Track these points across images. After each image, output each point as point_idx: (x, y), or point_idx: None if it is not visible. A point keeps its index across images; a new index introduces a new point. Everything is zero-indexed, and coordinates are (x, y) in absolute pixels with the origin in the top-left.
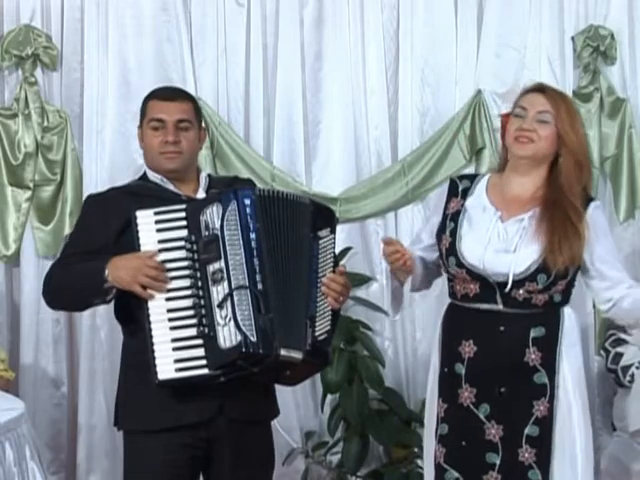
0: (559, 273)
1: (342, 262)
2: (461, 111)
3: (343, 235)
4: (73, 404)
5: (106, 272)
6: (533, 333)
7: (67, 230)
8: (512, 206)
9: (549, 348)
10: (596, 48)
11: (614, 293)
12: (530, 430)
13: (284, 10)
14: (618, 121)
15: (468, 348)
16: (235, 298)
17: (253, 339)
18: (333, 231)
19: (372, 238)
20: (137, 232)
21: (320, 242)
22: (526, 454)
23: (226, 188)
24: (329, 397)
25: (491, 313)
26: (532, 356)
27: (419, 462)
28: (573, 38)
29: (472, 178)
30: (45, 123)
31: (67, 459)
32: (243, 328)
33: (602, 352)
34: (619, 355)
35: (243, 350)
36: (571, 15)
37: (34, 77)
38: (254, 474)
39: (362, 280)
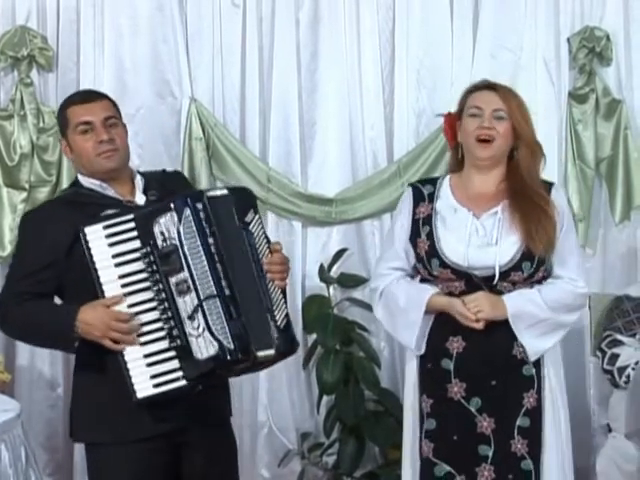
0: (541, 259)
1: (338, 264)
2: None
3: (339, 236)
4: (69, 405)
5: (76, 327)
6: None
7: None
8: (480, 202)
9: None
10: (592, 49)
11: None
12: (521, 421)
13: (280, 11)
14: (614, 122)
15: (457, 344)
16: (205, 307)
17: (230, 346)
18: (256, 210)
19: (368, 239)
20: (89, 249)
21: (250, 228)
22: (518, 445)
23: (161, 187)
24: (325, 398)
25: None
26: (520, 349)
27: None
28: (569, 39)
29: (433, 182)
30: (41, 124)
31: (63, 460)
32: (219, 337)
33: (598, 353)
34: (615, 356)
35: (222, 358)
36: (567, 16)
37: (30, 78)
38: (224, 470)
39: (358, 281)
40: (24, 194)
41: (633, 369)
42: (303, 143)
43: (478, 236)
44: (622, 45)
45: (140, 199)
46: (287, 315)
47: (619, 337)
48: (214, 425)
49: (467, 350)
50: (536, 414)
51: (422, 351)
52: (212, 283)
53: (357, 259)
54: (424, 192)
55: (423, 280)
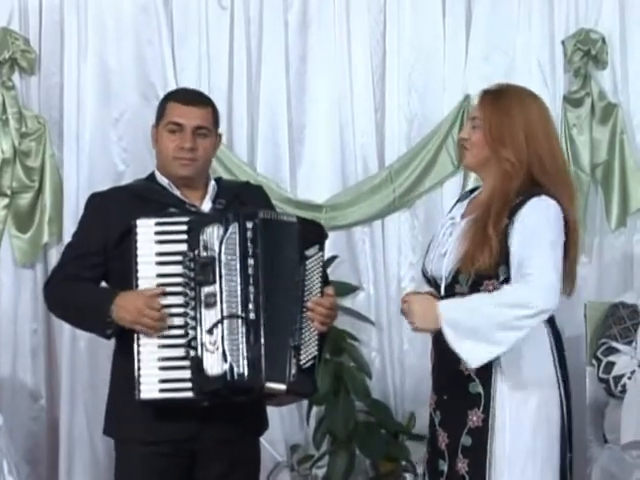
0: (480, 275)
1: (328, 271)
2: (449, 116)
3: (329, 243)
4: (52, 417)
5: (112, 310)
6: None
7: (46, 238)
8: (472, 211)
9: None
10: (587, 52)
11: None
12: (464, 440)
13: (268, 13)
14: (609, 127)
15: (432, 355)
16: (226, 325)
17: (239, 370)
18: (322, 248)
19: (358, 246)
20: (136, 242)
21: (307, 262)
22: (459, 464)
23: (233, 197)
24: (315, 409)
25: None
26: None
27: (407, 476)
28: (563, 42)
29: (474, 190)
30: (23, 129)
31: (46, 473)
32: (230, 358)
33: (594, 361)
34: (611, 364)
35: (228, 380)
36: (561, 18)
37: (12, 82)
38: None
39: (348, 289)
40: (6, 200)
41: (629, 378)
42: (292, 148)
43: (442, 245)
44: (618, 48)
45: (207, 206)
46: (314, 359)
47: (615, 345)
48: (232, 439)
49: (436, 361)
50: (480, 434)
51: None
52: (239, 303)
53: (347, 267)
54: (461, 196)
55: None
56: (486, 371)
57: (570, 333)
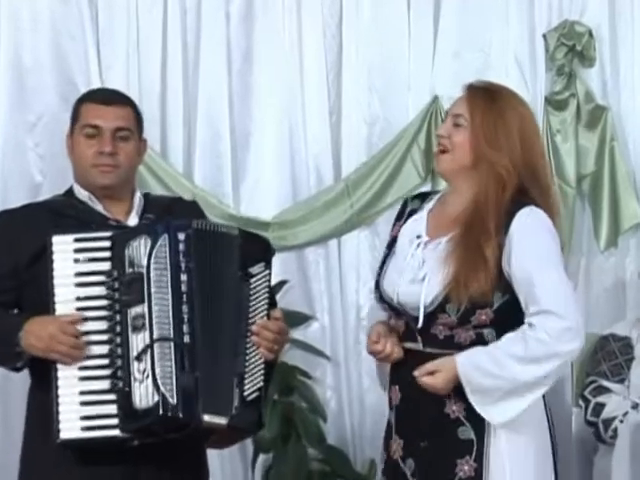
0: (474, 303)
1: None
2: (415, 121)
3: (277, 266)
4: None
5: (20, 338)
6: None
7: None
8: (441, 228)
9: None
10: (572, 47)
11: None
12: None
13: (207, 2)
14: (598, 132)
15: (395, 395)
16: (156, 350)
17: (173, 401)
18: (268, 266)
19: (311, 269)
20: (52, 261)
21: (252, 281)
22: None
23: (163, 212)
24: (261, 457)
25: (414, 354)
26: (454, 407)
27: None
28: (545, 36)
29: (424, 197)
30: None
31: None
32: (162, 387)
33: (581, 402)
34: (600, 406)
35: (160, 413)
36: (542, 9)
37: None
38: None
39: (300, 319)
40: None
41: (621, 421)
42: (235, 157)
43: (412, 269)
44: (607, 43)
45: (133, 221)
46: (260, 390)
47: (605, 383)
48: None
49: (403, 402)
50: None
51: (385, 390)
52: (171, 324)
53: (299, 293)
54: (407, 209)
55: None
56: (479, 416)
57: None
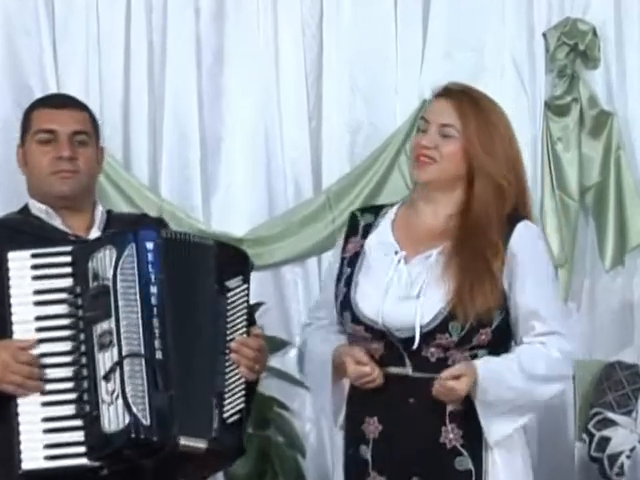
0: (479, 320)
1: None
2: (403, 127)
3: (251, 286)
4: None
5: None
6: (451, 406)
7: None
8: (420, 242)
9: (472, 424)
10: (574, 47)
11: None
12: None
13: None
14: (603, 140)
15: (372, 427)
16: (126, 368)
17: (146, 422)
18: (246, 280)
19: (289, 290)
20: (7, 279)
21: (229, 295)
22: None
23: (127, 226)
24: None
25: (400, 380)
26: (450, 435)
27: None
28: (545, 34)
29: (376, 211)
30: None
31: None
32: (134, 408)
33: (584, 436)
34: (605, 440)
35: (132, 436)
36: (542, 5)
37: None
38: None
39: (276, 345)
40: None
41: (628, 457)
42: (205, 167)
43: (399, 285)
44: (613, 42)
45: (94, 236)
46: (241, 413)
47: (610, 415)
48: None
49: (384, 435)
50: None
51: (339, 425)
52: (141, 339)
53: (275, 316)
54: (360, 223)
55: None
56: (475, 441)
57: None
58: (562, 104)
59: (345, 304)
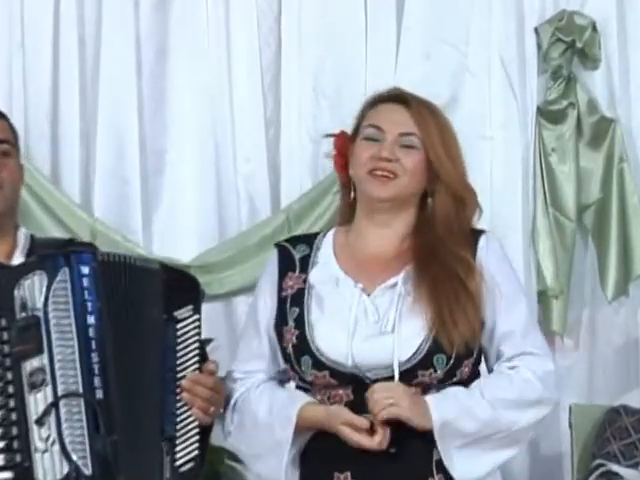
0: (462, 350)
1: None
2: None
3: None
4: None
5: None
6: (437, 454)
7: None
8: (374, 269)
9: None
10: (571, 44)
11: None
12: None
13: None
14: (604, 151)
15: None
16: (62, 410)
17: (87, 472)
18: (197, 310)
19: (241, 324)
20: None
21: (178, 327)
22: None
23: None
24: None
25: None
26: None
27: None
28: (537, 29)
29: (308, 241)
30: None
31: None
32: (73, 455)
33: None
34: None
35: None
36: None
37: None
38: None
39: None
40: None
41: None
42: (145, 182)
43: (367, 321)
44: (615, 38)
45: (17, 262)
46: (195, 460)
47: (614, 468)
48: None
49: None
50: None
51: None
52: (79, 376)
53: (226, 353)
54: (294, 256)
55: (299, 388)
56: None
57: (549, 449)
58: (557, 110)
59: (302, 349)
